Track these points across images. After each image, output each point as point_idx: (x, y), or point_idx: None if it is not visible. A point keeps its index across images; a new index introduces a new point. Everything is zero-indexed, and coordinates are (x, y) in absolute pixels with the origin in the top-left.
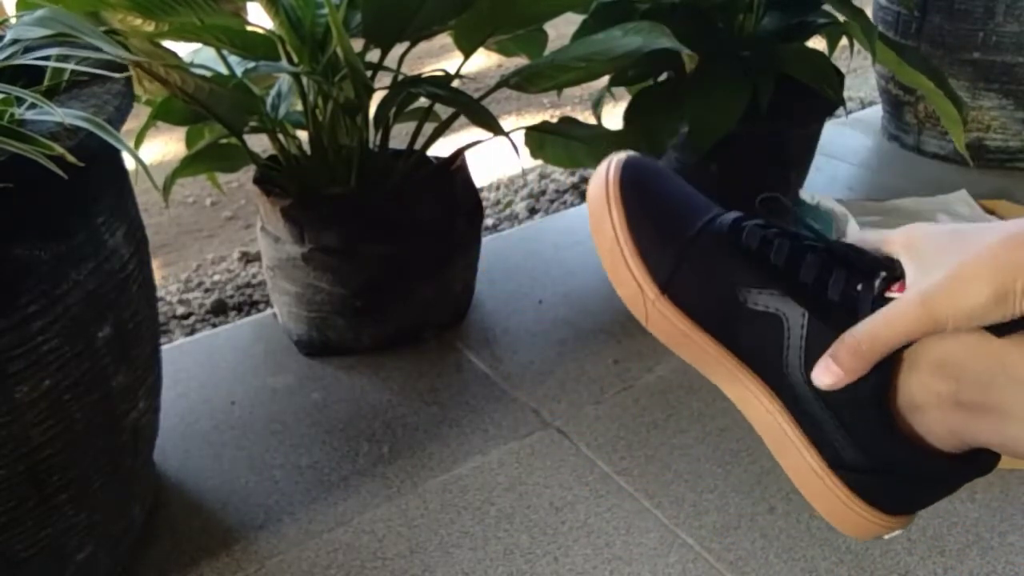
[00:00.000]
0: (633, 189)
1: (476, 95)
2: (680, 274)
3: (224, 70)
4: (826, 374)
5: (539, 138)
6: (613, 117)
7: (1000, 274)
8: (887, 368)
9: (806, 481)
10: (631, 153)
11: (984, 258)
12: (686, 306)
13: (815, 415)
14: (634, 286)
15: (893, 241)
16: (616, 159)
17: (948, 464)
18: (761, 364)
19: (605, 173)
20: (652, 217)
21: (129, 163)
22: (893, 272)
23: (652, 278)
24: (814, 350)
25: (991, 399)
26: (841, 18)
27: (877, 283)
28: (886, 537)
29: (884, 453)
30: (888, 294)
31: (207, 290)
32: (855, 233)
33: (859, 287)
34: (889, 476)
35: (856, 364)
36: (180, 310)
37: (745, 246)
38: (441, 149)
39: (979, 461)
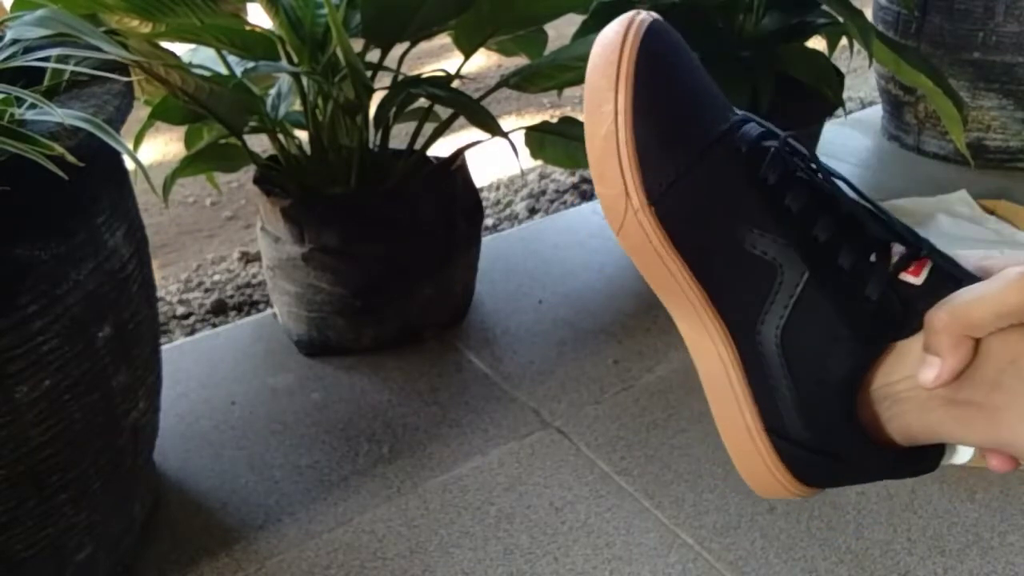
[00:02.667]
0: (652, 66)
1: (476, 95)
2: (678, 189)
3: (223, 70)
4: (928, 369)
5: (539, 138)
6: None
7: None
8: (866, 358)
9: (735, 437)
10: (657, 17)
11: None
12: (671, 225)
13: (772, 380)
14: (619, 187)
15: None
16: (640, 19)
17: (895, 458)
18: (731, 309)
19: (623, 34)
20: (666, 108)
21: (129, 163)
22: (917, 251)
23: (643, 185)
24: (801, 314)
25: (992, 399)
26: (841, 18)
27: (895, 260)
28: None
29: (834, 439)
30: (903, 275)
31: (207, 290)
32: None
33: (871, 258)
34: (827, 457)
35: (952, 342)
36: (180, 310)
37: (763, 176)
38: (441, 149)
39: (925, 459)
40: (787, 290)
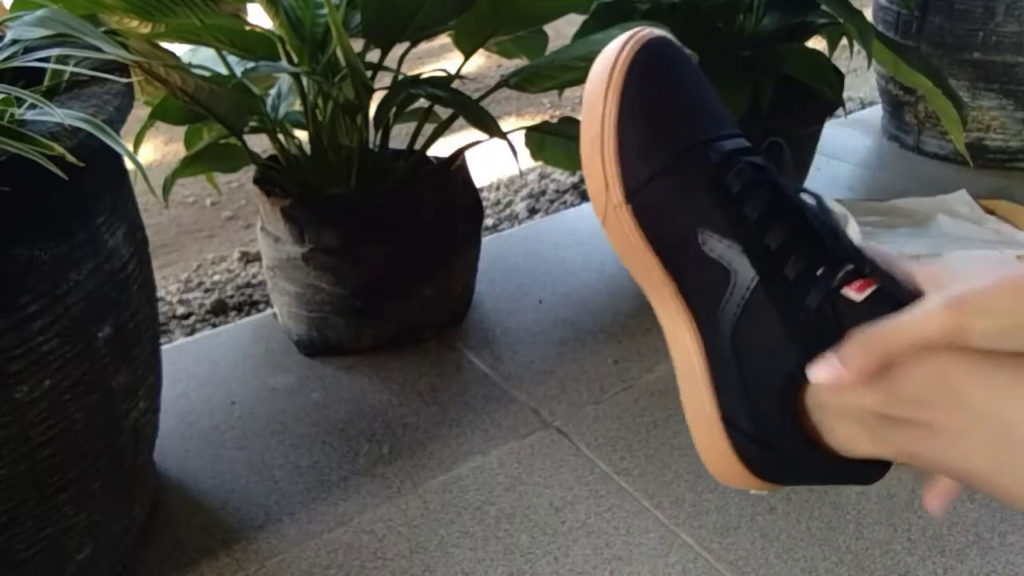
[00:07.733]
0: (641, 78)
1: (476, 95)
2: (651, 190)
3: (223, 70)
4: (826, 369)
5: (539, 139)
6: None
7: None
8: (801, 363)
9: (696, 422)
10: (658, 34)
11: None
12: (645, 223)
13: (727, 373)
14: (602, 183)
15: (920, 273)
16: (639, 36)
17: (834, 464)
18: (697, 304)
19: (619, 50)
20: (649, 117)
21: (129, 163)
22: (861, 269)
23: (622, 183)
24: (750, 315)
25: (925, 416)
26: (840, 19)
27: (840, 274)
28: (752, 492)
29: (776, 436)
30: (845, 290)
31: (207, 290)
32: (879, 249)
33: (819, 272)
34: (772, 451)
35: (862, 363)
36: (180, 310)
37: (727, 186)
38: (441, 149)
39: (866, 471)
40: (739, 292)
